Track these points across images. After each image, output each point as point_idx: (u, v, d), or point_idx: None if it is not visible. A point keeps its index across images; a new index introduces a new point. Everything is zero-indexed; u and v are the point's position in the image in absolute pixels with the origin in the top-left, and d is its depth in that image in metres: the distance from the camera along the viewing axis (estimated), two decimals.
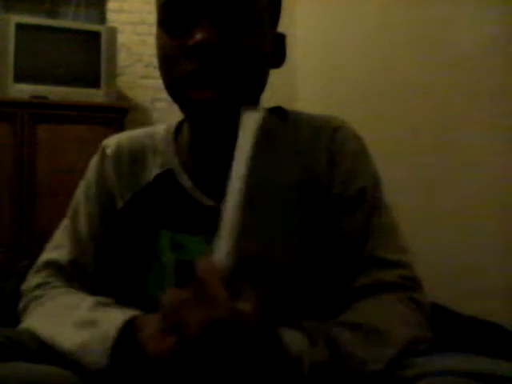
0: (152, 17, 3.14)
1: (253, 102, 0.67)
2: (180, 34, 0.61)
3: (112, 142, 0.76)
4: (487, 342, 0.98)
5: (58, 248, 0.73)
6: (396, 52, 1.95)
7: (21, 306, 0.71)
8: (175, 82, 0.62)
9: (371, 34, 2.12)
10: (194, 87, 0.60)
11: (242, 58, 0.61)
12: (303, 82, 2.72)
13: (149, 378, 0.50)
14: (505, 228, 1.42)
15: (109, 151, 0.74)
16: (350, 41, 2.30)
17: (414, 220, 1.56)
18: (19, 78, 2.60)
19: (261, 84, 0.66)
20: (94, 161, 0.76)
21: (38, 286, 0.71)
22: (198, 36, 0.58)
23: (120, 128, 2.59)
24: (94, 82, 2.71)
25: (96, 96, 2.70)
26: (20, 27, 2.62)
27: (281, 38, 0.70)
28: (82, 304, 0.62)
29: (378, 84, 2.05)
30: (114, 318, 0.56)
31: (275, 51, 0.69)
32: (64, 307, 0.64)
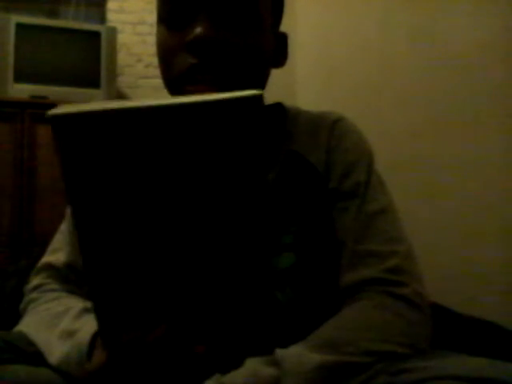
0: (152, 17, 3.15)
1: None
2: (179, 28, 0.61)
3: None
4: (487, 342, 0.98)
5: (55, 251, 0.74)
6: (396, 52, 1.95)
7: (21, 305, 0.72)
8: (174, 77, 0.62)
9: (371, 33, 2.12)
10: (192, 82, 0.60)
11: (240, 54, 0.60)
12: (303, 82, 2.72)
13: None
14: (505, 228, 1.43)
15: None
16: (350, 41, 2.30)
17: (412, 219, 1.56)
18: (19, 77, 2.60)
19: (260, 82, 0.66)
20: None
21: (36, 287, 0.71)
22: (196, 31, 0.58)
23: None
24: (94, 82, 2.72)
25: (96, 96, 2.70)
26: (20, 27, 2.62)
27: (283, 38, 0.70)
28: (68, 312, 0.62)
29: (378, 84, 2.05)
30: (91, 325, 0.56)
31: (277, 50, 0.68)
32: (54, 315, 0.64)
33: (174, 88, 0.64)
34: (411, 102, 1.84)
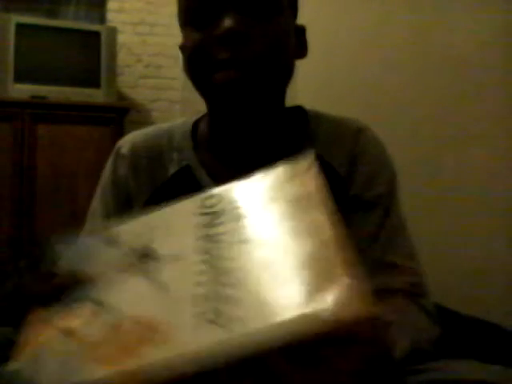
0: (152, 17, 3.16)
1: (278, 91, 0.67)
2: (207, 25, 0.61)
3: (127, 141, 0.74)
4: (488, 342, 0.98)
5: None
6: (396, 52, 1.94)
7: None
8: (203, 71, 0.63)
9: (371, 34, 2.12)
10: (220, 71, 0.61)
11: (267, 44, 0.61)
12: (303, 82, 2.72)
13: None
14: (505, 227, 1.42)
15: (124, 151, 0.73)
16: (350, 40, 2.30)
17: (413, 218, 1.56)
18: (19, 78, 2.60)
19: (285, 73, 0.66)
20: (109, 164, 0.74)
21: None
22: (226, 24, 0.59)
23: (120, 128, 2.59)
24: (94, 82, 2.71)
25: (96, 96, 2.70)
26: (20, 27, 2.62)
27: (301, 31, 0.72)
28: None
29: (378, 84, 2.05)
30: None
31: (297, 43, 0.69)
32: None
33: (200, 79, 0.64)
34: (411, 102, 1.84)
